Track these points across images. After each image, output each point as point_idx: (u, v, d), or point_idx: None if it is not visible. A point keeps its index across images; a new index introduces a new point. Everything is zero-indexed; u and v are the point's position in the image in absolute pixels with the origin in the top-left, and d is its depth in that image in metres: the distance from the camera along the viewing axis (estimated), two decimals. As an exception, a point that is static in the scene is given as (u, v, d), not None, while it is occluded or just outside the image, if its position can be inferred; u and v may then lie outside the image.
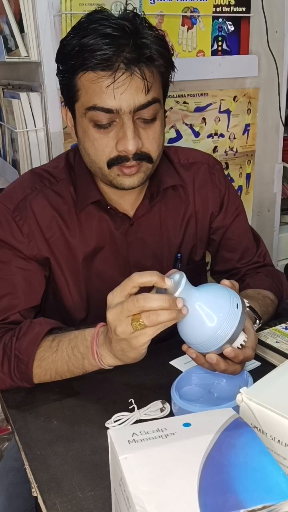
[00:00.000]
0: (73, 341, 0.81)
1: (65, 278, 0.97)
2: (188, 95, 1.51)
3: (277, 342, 0.91)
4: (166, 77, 0.88)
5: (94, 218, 0.95)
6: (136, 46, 0.79)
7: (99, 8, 0.83)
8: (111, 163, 0.85)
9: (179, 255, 1.03)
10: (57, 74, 0.88)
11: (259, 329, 0.95)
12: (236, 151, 1.67)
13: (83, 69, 0.81)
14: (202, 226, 1.04)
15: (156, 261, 1.01)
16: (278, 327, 0.96)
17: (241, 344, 0.75)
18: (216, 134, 1.61)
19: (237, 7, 1.51)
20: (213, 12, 1.48)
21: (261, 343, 0.91)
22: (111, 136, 0.84)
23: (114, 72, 0.79)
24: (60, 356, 0.82)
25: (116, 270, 0.98)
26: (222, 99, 1.58)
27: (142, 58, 0.80)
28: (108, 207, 0.94)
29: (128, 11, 0.83)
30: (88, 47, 0.79)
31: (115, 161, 0.85)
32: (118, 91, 0.80)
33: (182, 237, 1.03)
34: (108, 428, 0.67)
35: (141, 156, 0.85)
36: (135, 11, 0.84)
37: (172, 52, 0.87)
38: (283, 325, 0.97)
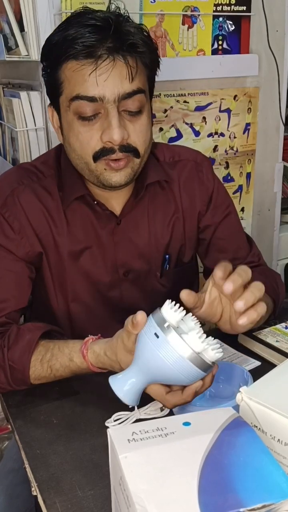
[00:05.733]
0: (67, 369, 0.81)
1: (52, 276, 0.96)
2: (188, 94, 1.51)
3: (277, 341, 0.91)
4: (151, 70, 0.87)
5: (80, 216, 0.94)
6: (118, 34, 0.80)
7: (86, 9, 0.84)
8: (97, 156, 0.84)
9: (167, 256, 1.01)
10: (42, 75, 0.88)
11: (259, 328, 0.95)
12: (237, 150, 1.67)
13: (65, 59, 0.81)
14: (190, 225, 1.01)
15: (144, 261, 0.99)
16: (278, 326, 0.96)
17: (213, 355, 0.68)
18: (216, 133, 1.61)
19: (237, 6, 1.51)
20: (214, 11, 1.47)
21: (261, 342, 0.91)
22: (96, 128, 0.82)
23: (97, 60, 0.79)
24: (60, 376, 0.83)
25: (103, 270, 0.97)
26: (223, 98, 1.58)
27: (125, 46, 0.80)
28: (95, 202, 0.93)
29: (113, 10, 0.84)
30: (71, 37, 0.79)
31: (101, 154, 0.83)
32: (101, 78, 0.79)
33: (169, 236, 1.00)
34: (108, 427, 0.67)
35: (128, 149, 0.84)
36: (118, 11, 0.85)
37: (156, 45, 0.87)
38: (283, 324, 0.97)
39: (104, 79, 0.79)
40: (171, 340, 0.65)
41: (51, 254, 0.94)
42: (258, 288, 0.71)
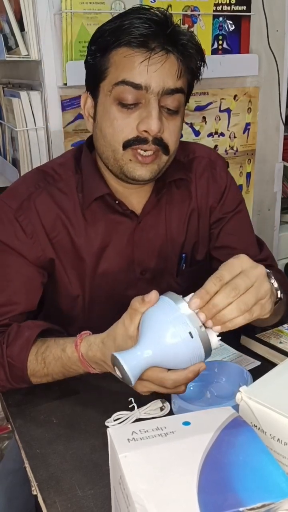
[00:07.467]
0: (58, 361, 0.81)
1: (68, 278, 0.95)
2: (188, 94, 1.51)
3: (280, 342, 0.92)
4: (193, 76, 0.89)
5: (100, 216, 0.93)
6: (174, 32, 0.82)
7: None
8: (127, 145, 0.84)
9: (183, 255, 1.01)
10: (86, 60, 0.88)
11: (262, 329, 0.95)
12: (237, 150, 1.67)
13: (118, 45, 0.82)
14: (204, 222, 1.02)
15: (161, 260, 0.99)
16: (281, 327, 0.96)
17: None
18: (216, 133, 1.61)
19: (237, 6, 1.51)
20: (214, 11, 1.47)
21: (263, 343, 0.92)
22: (134, 117, 0.83)
23: (150, 51, 0.80)
24: (52, 371, 0.82)
25: (120, 269, 0.97)
26: (223, 98, 1.58)
27: (179, 45, 0.82)
28: (116, 201, 0.92)
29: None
30: (126, 25, 0.81)
31: (133, 143, 0.83)
32: (152, 68, 0.80)
33: (185, 235, 1.00)
34: (108, 427, 0.67)
35: (160, 142, 0.84)
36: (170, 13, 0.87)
37: (204, 54, 0.88)
38: (286, 325, 0.97)
39: (154, 70, 0.81)
40: (182, 308, 0.65)
41: (68, 256, 0.93)
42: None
